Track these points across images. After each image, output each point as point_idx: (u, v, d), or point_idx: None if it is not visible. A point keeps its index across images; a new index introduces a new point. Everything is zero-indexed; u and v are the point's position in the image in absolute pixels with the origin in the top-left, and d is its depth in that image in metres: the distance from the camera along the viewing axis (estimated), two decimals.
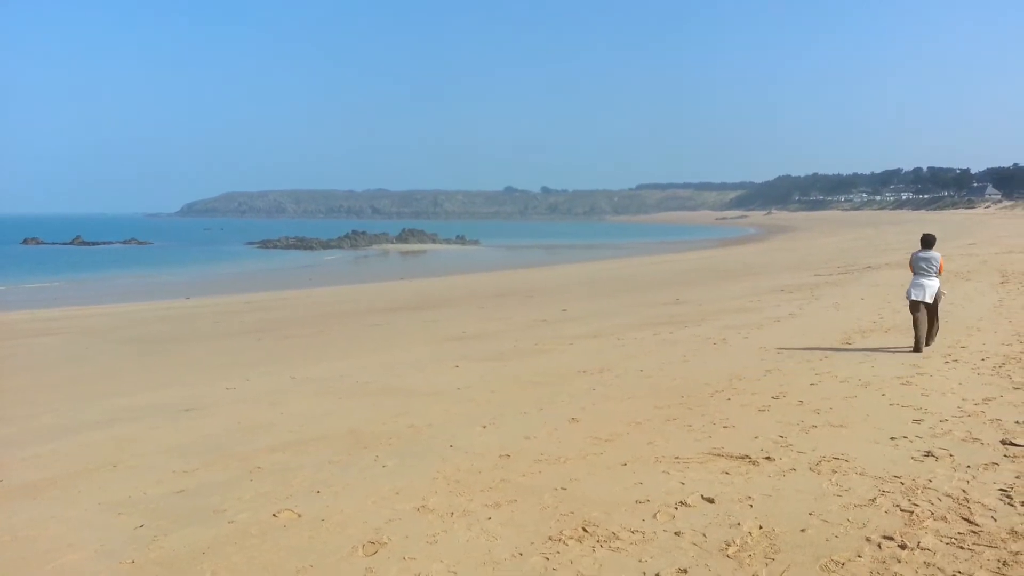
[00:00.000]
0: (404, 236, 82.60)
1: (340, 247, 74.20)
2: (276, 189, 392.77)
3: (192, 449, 7.25)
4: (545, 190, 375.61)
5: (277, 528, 5.14)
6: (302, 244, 76.36)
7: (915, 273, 10.93)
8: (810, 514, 4.89)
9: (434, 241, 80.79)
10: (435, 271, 42.97)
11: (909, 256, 11.54)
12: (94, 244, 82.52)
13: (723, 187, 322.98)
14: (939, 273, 10.85)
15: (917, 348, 10.32)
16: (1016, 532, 4.44)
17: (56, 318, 22.03)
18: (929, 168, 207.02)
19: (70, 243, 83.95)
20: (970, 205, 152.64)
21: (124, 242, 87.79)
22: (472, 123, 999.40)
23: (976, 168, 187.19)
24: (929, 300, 10.52)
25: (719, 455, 6.22)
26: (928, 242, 11.09)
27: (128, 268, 49.99)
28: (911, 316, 10.53)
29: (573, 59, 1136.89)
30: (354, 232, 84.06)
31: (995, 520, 4.64)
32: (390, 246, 76.44)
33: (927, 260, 10.84)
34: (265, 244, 79.10)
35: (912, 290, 10.64)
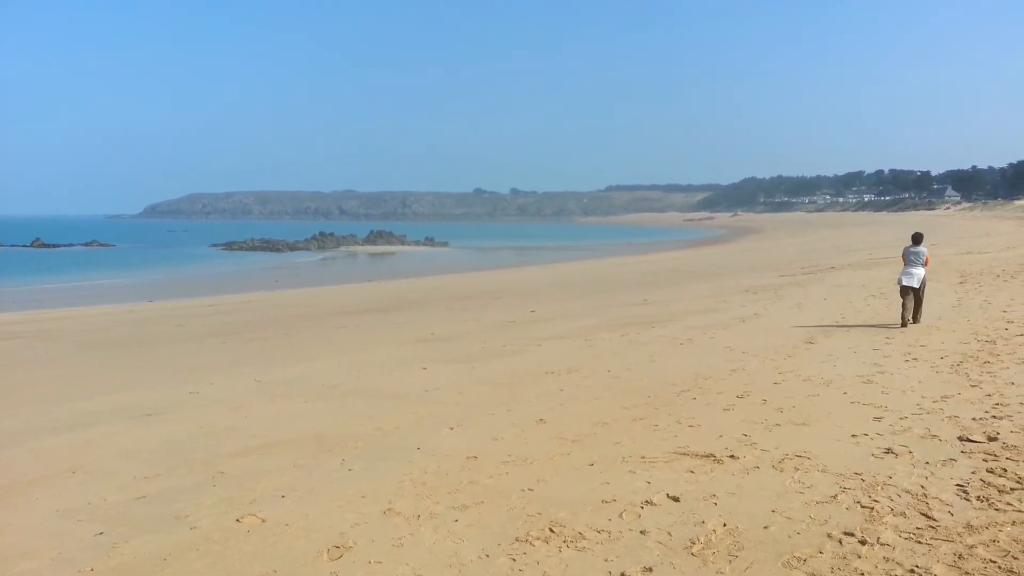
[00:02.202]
0: (372, 238, 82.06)
1: (307, 249, 73.48)
2: (241, 190, 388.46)
3: (154, 454, 7.13)
4: (514, 191, 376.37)
5: (240, 534, 5.07)
6: (268, 246, 75.47)
7: (905, 264, 12.91)
8: (773, 511, 4.95)
9: (403, 243, 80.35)
10: (404, 273, 42.73)
11: (901, 250, 13.61)
12: (55, 247, 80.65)
13: (690, 189, 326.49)
14: (925, 264, 12.88)
15: (903, 324, 12.29)
16: (972, 526, 4.54)
17: (14, 322, 21.52)
18: (891, 170, 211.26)
19: (29, 245, 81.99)
20: (930, 207, 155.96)
21: (86, 244, 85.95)
22: (441, 124, 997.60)
23: (936, 170, 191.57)
24: (916, 285, 12.52)
25: (684, 454, 6.28)
26: (917, 239, 13.27)
27: (90, 271, 48.97)
28: (900, 298, 12.59)
29: (542, 61, 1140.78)
30: (321, 234, 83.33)
31: (952, 515, 4.74)
32: (358, 248, 75.89)
33: (915, 253, 12.93)
34: (230, 246, 78.01)
35: (902, 277, 12.66)
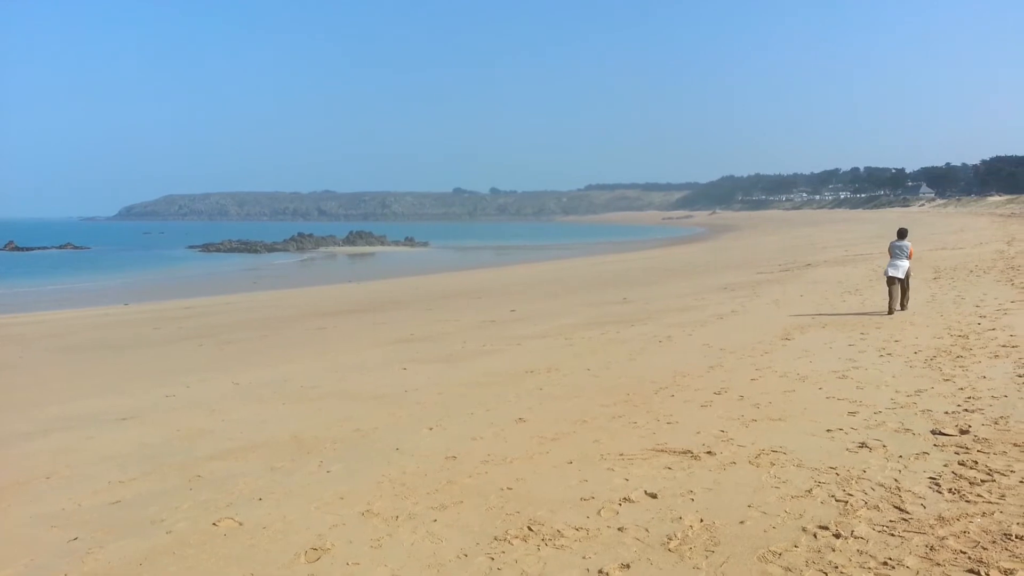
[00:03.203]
0: (352, 238, 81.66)
1: (286, 250, 72.98)
2: (218, 191, 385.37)
3: (129, 459, 7.06)
4: (494, 191, 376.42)
5: (217, 537, 5.03)
6: (246, 247, 74.87)
7: (892, 256, 13.93)
8: (749, 506, 4.99)
9: (382, 243, 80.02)
10: (383, 273, 42.57)
11: (887, 245, 14.87)
12: (28, 249, 79.41)
13: (669, 187, 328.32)
14: (909, 257, 13.95)
15: (889, 312, 13.28)
16: (943, 518, 4.61)
17: None
18: (866, 168, 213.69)
19: (2, 249, 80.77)
20: (905, 203, 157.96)
21: (60, 247, 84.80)
22: (421, 124, 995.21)
23: (911, 168, 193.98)
24: (902, 276, 13.59)
25: (662, 451, 6.32)
26: (902, 234, 14.36)
27: (64, 274, 48.33)
28: (887, 288, 13.65)
29: (521, 60, 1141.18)
30: (300, 235, 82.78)
31: (924, 507, 4.81)
32: (337, 248, 75.48)
33: (900, 247, 13.98)
34: (207, 248, 77.31)
35: (889, 269, 13.71)
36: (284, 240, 79.26)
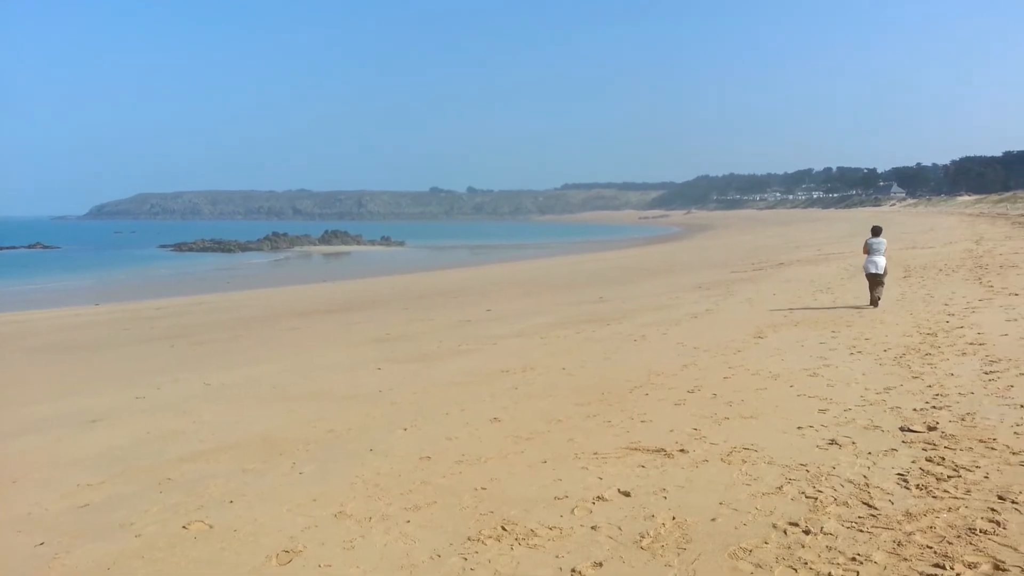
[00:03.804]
0: (327, 237, 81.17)
1: (260, 249, 72.36)
2: (191, 190, 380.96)
3: (98, 461, 6.96)
4: (471, 190, 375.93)
5: (187, 540, 4.98)
6: (219, 247, 74.10)
7: (869, 253, 14.65)
8: (721, 503, 5.03)
9: (358, 242, 79.64)
10: (359, 273, 42.34)
11: (863, 243, 15.56)
12: None
13: (645, 187, 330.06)
14: (886, 253, 14.77)
15: (873, 304, 14.12)
16: (911, 514, 4.68)
17: None
18: (838, 168, 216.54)
19: None
20: (877, 203, 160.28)
21: (29, 246, 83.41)
22: (398, 123, 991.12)
23: (882, 168, 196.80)
24: (880, 272, 14.31)
25: (636, 449, 6.35)
26: (876, 231, 15.27)
27: (33, 273, 47.53)
28: (867, 282, 14.60)
29: (499, 61, 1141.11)
30: (274, 234, 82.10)
31: (892, 503, 4.87)
32: (312, 248, 74.98)
33: (877, 244, 14.77)
34: (180, 247, 76.45)
35: (868, 265, 14.51)
36: (258, 239, 78.55)
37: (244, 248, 72.93)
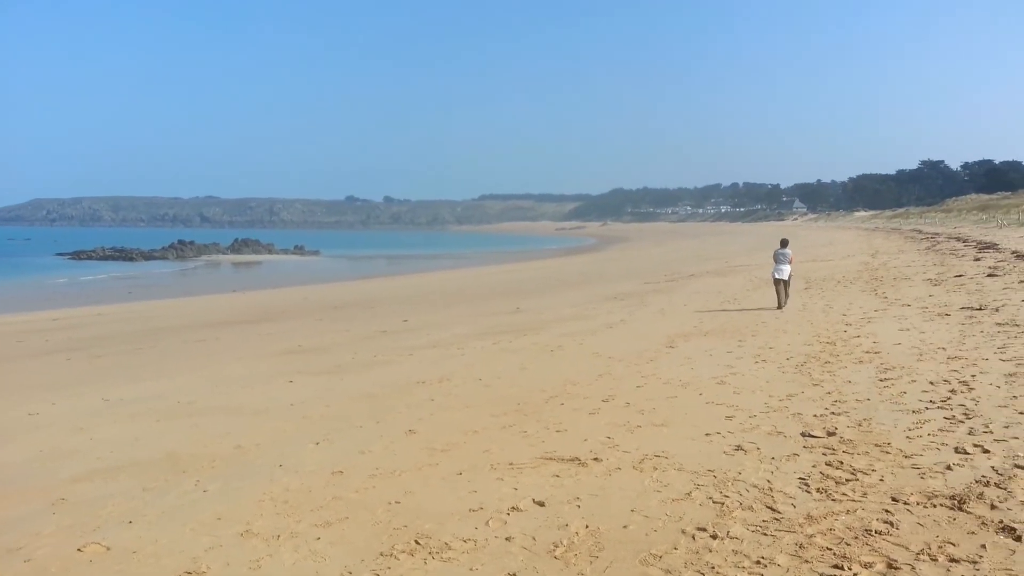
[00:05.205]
0: (237, 246, 78.78)
1: (165, 258, 69.51)
2: (91, 195, 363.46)
3: None
4: (388, 200, 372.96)
5: (81, 564, 4.71)
6: (121, 255, 70.83)
7: (776, 262, 16.63)
8: (632, 511, 5.11)
9: (270, 251, 77.60)
10: (271, 283, 41.25)
11: (771, 252, 17.41)
12: None
13: (562, 199, 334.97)
14: (790, 263, 16.68)
15: (779, 307, 15.93)
16: (811, 517, 4.87)
17: None
18: (745, 183, 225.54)
19: None
20: (780, 217, 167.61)
21: None
22: (311, 130, 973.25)
23: (785, 184, 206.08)
24: (786, 278, 16.34)
25: (551, 459, 6.39)
26: (784, 243, 17.29)
27: None
28: (774, 288, 16.47)
29: (412, 70, 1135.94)
30: (180, 242, 79.06)
31: (794, 507, 5.06)
32: (221, 257, 72.62)
33: (783, 254, 16.71)
34: (78, 255, 72.70)
35: (775, 272, 16.53)
36: (163, 247, 75.46)
37: (148, 257, 69.94)
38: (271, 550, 4.78)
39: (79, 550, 4.92)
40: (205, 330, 18.72)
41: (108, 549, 4.92)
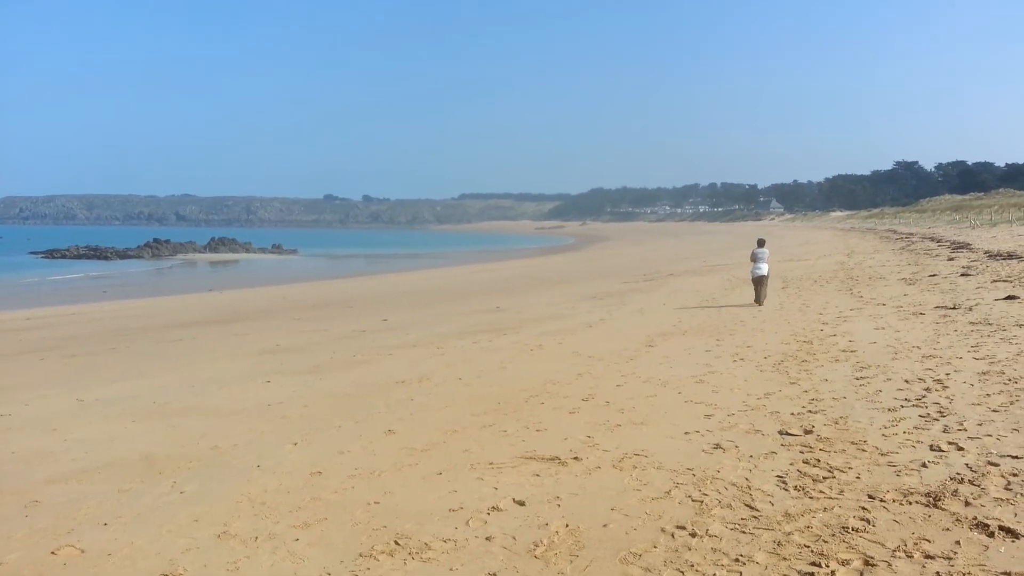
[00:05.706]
0: (214, 245, 77.97)
1: (140, 257, 68.58)
2: (65, 194, 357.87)
3: None
4: (367, 198, 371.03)
5: (55, 567, 4.64)
6: (95, 254, 69.78)
7: (755, 261, 17.20)
8: (612, 509, 5.13)
9: (247, 250, 76.90)
10: (248, 282, 40.88)
11: (749, 252, 18.13)
12: None
13: (542, 198, 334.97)
14: (767, 261, 17.23)
15: (758, 303, 16.53)
16: (789, 514, 4.91)
17: None
18: (723, 183, 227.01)
19: None
20: (758, 217, 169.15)
21: None
22: (289, 128, 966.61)
23: (762, 184, 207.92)
24: (764, 275, 16.92)
25: (531, 458, 6.39)
26: (761, 243, 17.93)
27: None
28: (753, 286, 17.01)
29: (393, 67, 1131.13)
30: (156, 241, 78.00)
31: (772, 504, 5.10)
32: (197, 256, 71.84)
33: (761, 253, 17.32)
34: (52, 254, 71.53)
35: (754, 270, 17.08)
36: (138, 246, 74.40)
37: (123, 255, 68.97)
38: (249, 551, 4.74)
39: (53, 553, 4.85)
40: (181, 330, 18.52)
41: (83, 552, 4.85)
